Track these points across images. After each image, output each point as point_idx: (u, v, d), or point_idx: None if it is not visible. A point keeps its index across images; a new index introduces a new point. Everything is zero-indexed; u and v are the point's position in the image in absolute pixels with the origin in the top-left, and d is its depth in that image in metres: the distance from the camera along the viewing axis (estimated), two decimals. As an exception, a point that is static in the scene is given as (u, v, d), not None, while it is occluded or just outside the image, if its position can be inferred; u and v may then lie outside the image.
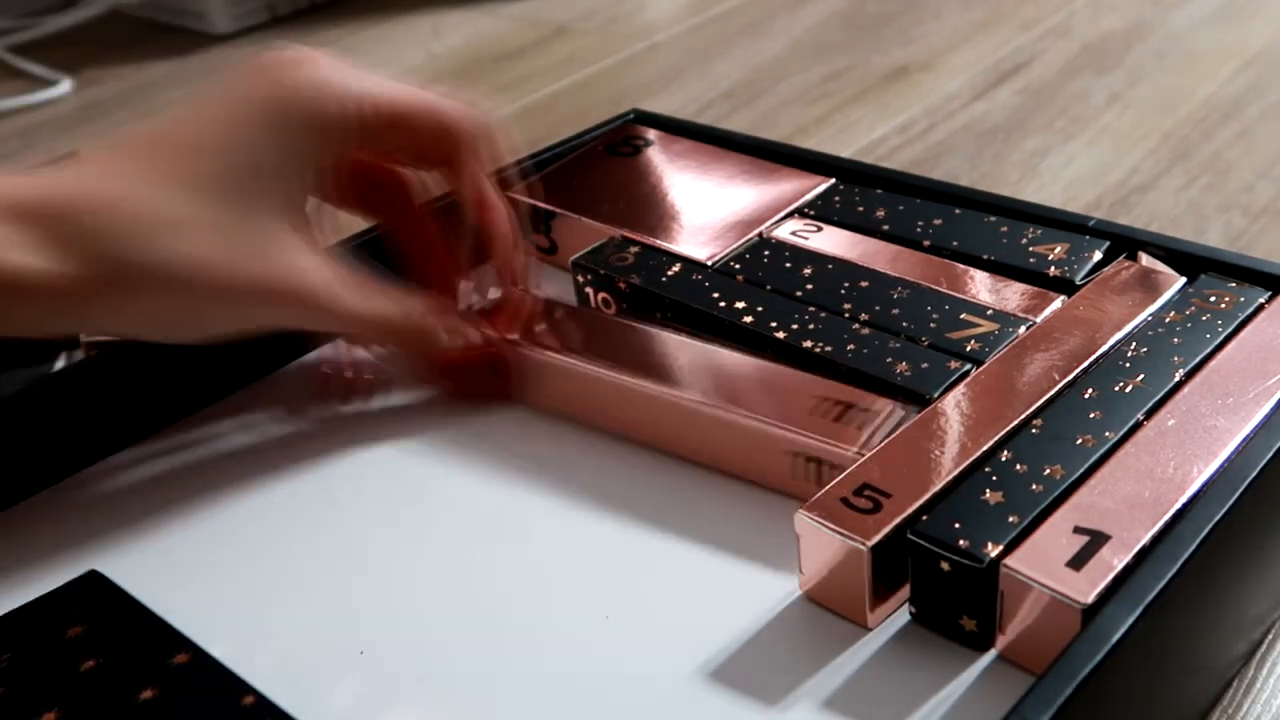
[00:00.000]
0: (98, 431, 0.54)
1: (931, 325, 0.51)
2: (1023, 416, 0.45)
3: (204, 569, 0.48)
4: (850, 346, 0.50)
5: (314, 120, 0.48)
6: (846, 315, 0.52)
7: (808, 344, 0.50)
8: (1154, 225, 0.77)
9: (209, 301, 0.47)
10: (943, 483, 0.42)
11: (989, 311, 0.51)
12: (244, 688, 0.41)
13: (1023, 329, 0.50)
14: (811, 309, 0.53)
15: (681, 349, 0.52)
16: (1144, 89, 0.97)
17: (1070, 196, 0.82)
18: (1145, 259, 0.54)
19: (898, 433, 0.45)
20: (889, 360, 0.49)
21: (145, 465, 0.54)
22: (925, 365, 0.48)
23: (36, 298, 0.44)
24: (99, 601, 0.44)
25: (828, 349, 0.50)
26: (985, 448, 0.43)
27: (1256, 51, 1.02)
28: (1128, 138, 0.89)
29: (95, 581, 0.46)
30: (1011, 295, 0.52)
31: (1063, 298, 0.52)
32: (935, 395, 0.47)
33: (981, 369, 0.48)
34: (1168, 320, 0.49)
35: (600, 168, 0.66)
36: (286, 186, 0.48)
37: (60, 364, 0.65)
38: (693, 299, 0.54)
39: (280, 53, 0.49)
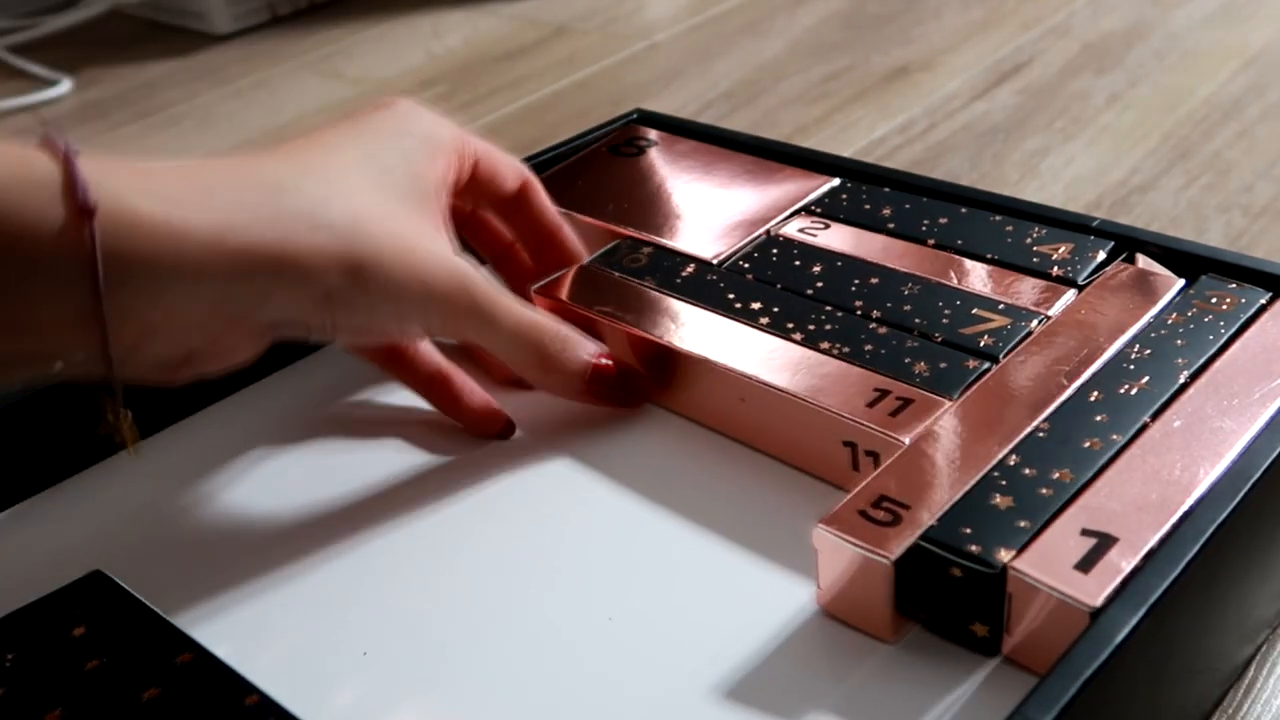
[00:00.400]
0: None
1: (944, 321, 0.51)
2: (1032, 424, 0.45)
3: (208, 569, 0.48)
4: (868, 347, 0.50)
5: (439, 147, 0.50)
6: (859, 313, 0.52)
7: (824, 345, 0.50)
8: (1154, 225, 0.77)
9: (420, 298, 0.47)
10: (961, 493, 0.42)
11: (1000, 306, 0.51)
12: (247, 687, 0.41)
13: (1034, 322, 0.50)
14: (827, 309, 0.53)
15: (734, 331, 0.52)
16: (1144, 89, 0.97)
17: (1070, 196, 0.82)
18: (1143, 260, 0.54)
19: (909, 443, 0.45)
20: (907, 360, 0.49)
21: (148, 464, 0.53)
22: (943, 365, 0.48)
23: None
24: (102, 601, 0.44)
25: (845, 350, 0.50)
26: (998, 456, 0.43)
27: (1256, 51, 1.02)
28: (1128, 138, 0.89)
29: (99, 581, 0.45)
30: (1022, 289, 0.52)
31: (1073, 291, 0.52)
32: (956, 395, 0.47)
33: (990, 375, 0.48)
34: (1170, 322, 0.49)
35: (604, 168, 0.66)
36: (439, 194, 0.50)
37: (60, 363, 0.65)
38: (708, 300, 0.54)
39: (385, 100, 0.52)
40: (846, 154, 0.91)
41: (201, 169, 0.44)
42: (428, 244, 0.47)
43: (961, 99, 0.98)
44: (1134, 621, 0.35)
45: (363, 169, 0.47)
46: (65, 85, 1.20)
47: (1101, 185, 0.83)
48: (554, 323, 0.51)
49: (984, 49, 1.08)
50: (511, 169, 0.55)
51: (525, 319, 0.50)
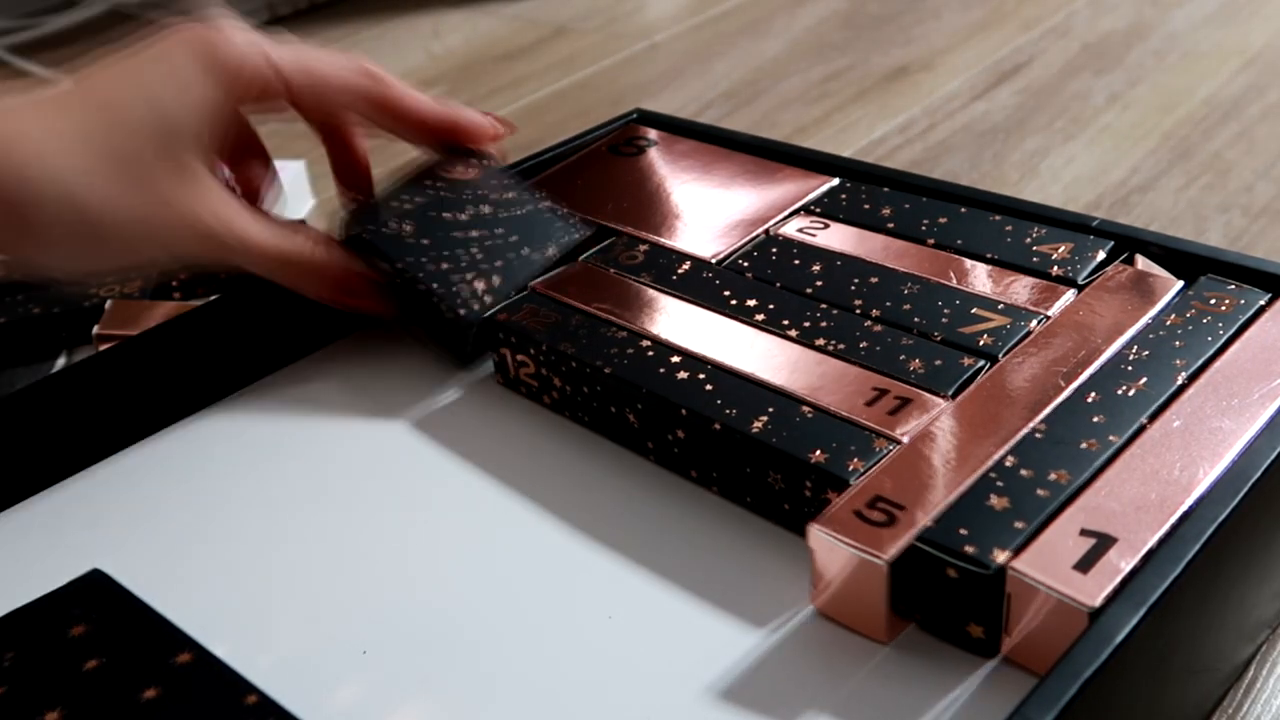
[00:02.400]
0: (100, 430, 0.54)
1: (943, 320, 0.51)
2: (1029, 425, 0.44)
3: (207, 568, 0.48)
4: (863, 345, 0.50)
5: (224, 69, 0.52)
6: (858, 312, 0.52)
7: (820, 342, 0.50)
8: (1154, 225, 0.77)
9: (101, 236, 0.50)
10: (956, 494, 0.42)
11: (1000, 305, 0.51)
12: (247, 687, 0.41)
13: (1034, 322, 0.50)
14: (823, 306, 0.53)
15: (729, 328, 0.52)
16: (1144, 89, 0.97)
17: (1070, 196, 0.82)
18: (1142, 261, 0.54)
19: (906, 443, 0.45)
20: (902, 358, 0.49)
21: (148, 464, 0.54)
22: (939, 362, 0.48)
23: None
24: (102, 601, 0.44)
25: (840, 347, 0.50)
26: (994, 457, 0.43)
27: (1256, 51, 1.02)
28: (1128, 138, 0.89)
29: (98, 581, 0.45)
30: (1020, 289, 0.52)
31: (1072, 291, 0.52)
32: (950, 393, 0.47)
33: (986, 375, 0.48)
34: (1169, 323, 0.49)
35: (603, 168, 0.66)
36: (195, 132, 0.51)
37: (60, 362, 0.65)
38: (703, 297, 0.54)
39: (193, 19, 0.53)
40: (846, 154, 0.91)
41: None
42: (122, 189, 0.50)
43: (961, 99, 0.98)
44: (1133, 621, 0.35)
45: (82, 126, 0.50)
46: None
47: (1101, 185, 0.83)
48: (303, 241, 0.55)
49: (984, 49, 1.08)
50: (341, 89, 0.56)
51: (272, 244, 0.53)
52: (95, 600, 0.44)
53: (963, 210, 0.58)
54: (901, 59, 1.08)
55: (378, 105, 0.57)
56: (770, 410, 0.47)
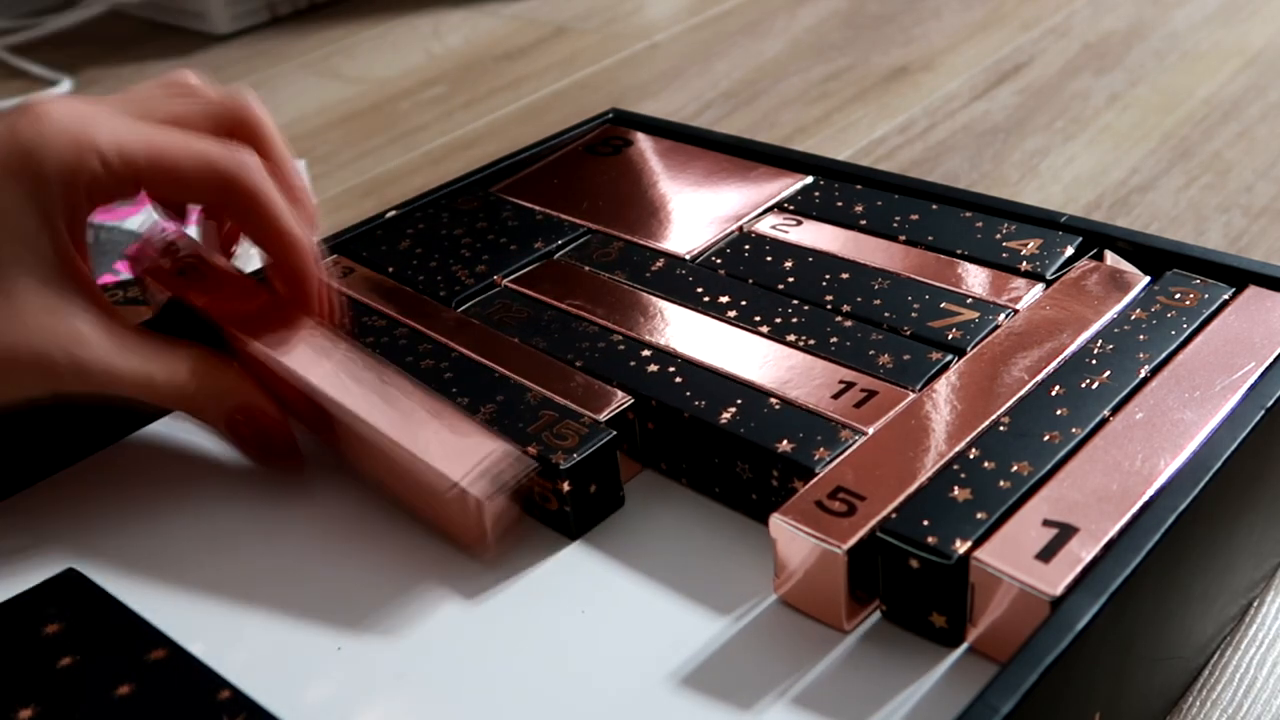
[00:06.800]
0: (75, 431, 0.54)
1: (913, 315, 0.51)
2: (992, 418, 0.45)
3: (182, 566, 0.48)
4: (833, 340, 0.50)
5: (52, 170, 0.47)
6: (829, 307, 0.52)
7: (791, 337, 0.51)
8: (1154, 225, 0.77)
9: None
10: (915, 485, 0.42)
11: (969, 300, 0.52)
12: (221, 683, 0.41)
13: (1002, 316, 0.50)
14: (794, 302, 0.53)
15: (702, 324, 0.53)
16: (1144, 89, 0.97)
17: (1070, 197, 0.82)
18: (1110, 257, 0.55)
19: (869, 435, 0.45)
20: (871, 352, 0.49)
21: (123, 464, 0.54)
22: (907, 357, 0.49)
23: None
24: (77, 599, 0.45)
25: (811, 342, 0.50)
26: (956, 449, 0.44)
27: (1256, 51, 1.01)
28: (1128, 138, 0.89)
29: (73, 579, 0.46)
30: (989, 284, 0.53)
31: (1041, 285, 0.52)
32: (917, 386, 0.47)
33: (951, 370, 0.48)
34: (1133, 318, 0.50)
35: (579, 168, 0.67)
36: (31, 243, 0.47)
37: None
38: (676, 293, 0.54)
39: (13, 109, 0.48)
40: (846, 154, 0.91)
41: None
42: None
43: (961, 99, 0.98)
44: (1094, 610, 0.36)
45: None
46: (65, 85, 1.21)
47: (1101, 185, 0.83)
48: (179, 365, 0.49)
49: (984, 49, 1.08)
50: (197, 183, 0.49)
51: (139, 370, 0.48)
52: (69, 598, 0.45)
53: (934, 207, 0.59)
54: (901, 59, 1.08)
55: (237, 208, 0.50)
56: (739, 402, 0.47)
